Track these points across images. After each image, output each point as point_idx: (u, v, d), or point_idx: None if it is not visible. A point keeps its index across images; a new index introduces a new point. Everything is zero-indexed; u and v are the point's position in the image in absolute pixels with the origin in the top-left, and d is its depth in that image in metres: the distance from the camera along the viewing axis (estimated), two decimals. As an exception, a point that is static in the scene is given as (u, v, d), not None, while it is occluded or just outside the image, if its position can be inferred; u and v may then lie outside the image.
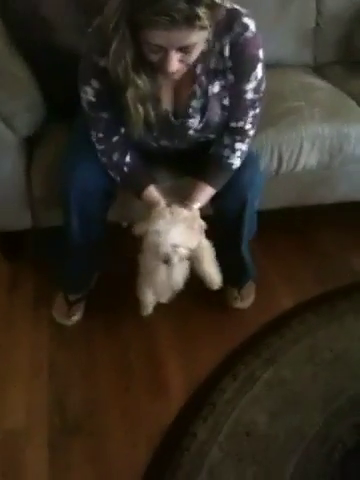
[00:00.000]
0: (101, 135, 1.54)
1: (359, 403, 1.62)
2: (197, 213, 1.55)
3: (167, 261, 1.47)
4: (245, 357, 1.77)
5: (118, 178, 1.59)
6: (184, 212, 1.50)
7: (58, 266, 1.85)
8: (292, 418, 1.59)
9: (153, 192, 1.57)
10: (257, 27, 1.40)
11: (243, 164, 1.60)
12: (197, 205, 1.56)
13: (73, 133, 1.70)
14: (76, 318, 1.90)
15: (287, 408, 1.62)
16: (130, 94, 1.36)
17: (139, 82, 1.35)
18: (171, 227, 1.45)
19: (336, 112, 1.96)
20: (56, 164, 1.69)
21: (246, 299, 1.94)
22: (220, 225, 1.71)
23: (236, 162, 1.57)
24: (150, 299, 1.73)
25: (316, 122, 1.91)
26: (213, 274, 1.60)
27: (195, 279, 1.62)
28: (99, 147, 1.56)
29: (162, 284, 1.62)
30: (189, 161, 1.67)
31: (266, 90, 1.53)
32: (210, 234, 1.59)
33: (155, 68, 1.34)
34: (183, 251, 1.48)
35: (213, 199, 1.63)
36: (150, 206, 1.54)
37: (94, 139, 1.55)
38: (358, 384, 1.67)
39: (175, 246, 1.46)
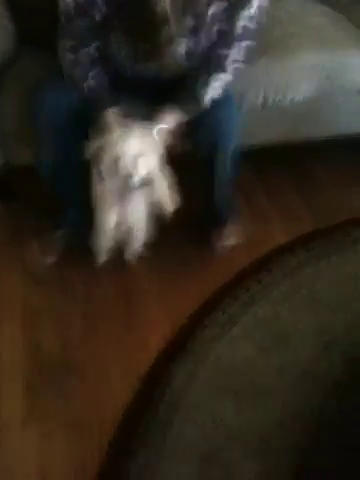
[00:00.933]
0: (72, 43, 1.41)
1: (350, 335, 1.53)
2: (159, 133, 1.40)
3: (130, 175, 1.31)
4: (234, 291, 1.67)
5: (81, 91, 1.46)
6: (142, 128, 1.36)
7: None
8: (279, 355, 1.49)
9: (114, 114, 1.41)
10: None
11: (217, 104, 1.47)
12: (160, 125, 1.41)
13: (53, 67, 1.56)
14: (52, 259, 1.78)
15: (277, 343, 1.52)
16: None
17: None
18: (129, 136, 1.32)
19: (330, 40, 1.84)
20: (27, 96, 1.55)
21: (232, 236, 1.81)
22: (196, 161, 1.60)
23: (211, 94, 1.44)
24: (105, 241, 1.59)
25: (306, 51, 1.79)
26: (166, 199, 1.46)
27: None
28: (68, 57, 1.43)
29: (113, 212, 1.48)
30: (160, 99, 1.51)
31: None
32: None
33: None
34: (143, 168, 1.32)
35: (188, 135, 1.50)
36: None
37: (61, 49, 1.43)
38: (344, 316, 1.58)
39: (136, 157, 1.31)
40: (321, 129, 2.00)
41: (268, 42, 1.77)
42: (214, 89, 1.44)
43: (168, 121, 1.43)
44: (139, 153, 1.31)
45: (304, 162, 2.20)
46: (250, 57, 1.44)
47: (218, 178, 1.62)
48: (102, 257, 1.67)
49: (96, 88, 1.45)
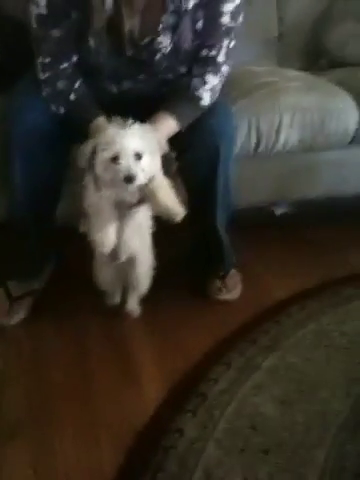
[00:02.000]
0: (48, 59, 1.28)
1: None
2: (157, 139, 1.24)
3: (130, 178, 1.12)
4: (238, 345, 1.39)
5: (62, 108, 1.32)
6: (141, 126, 1.18)
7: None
8: (309, 406, 1.19)
9: (103, 122, 1.26)
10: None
11: (214, 111, 1.36)
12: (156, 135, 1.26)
13: (22, 80, 1.43)
14: (19, 316, 1.50)
15: (301, 396, 1.22)
16: None
17: None
18: (127, 130, 1.14)
19: (314, 87, 1.80)
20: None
21: (232, 290, 1.61)
22: (191, 185, 1.44)
23: (205, 96, 1.33)
24: (103, 270, 1.39)
25: (293, 93, 1.73)
26: (172, 203, 1.24)
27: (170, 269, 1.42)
28: (43, 76, 1.30)
29: (109, 230, 1.24)
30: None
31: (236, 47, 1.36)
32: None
33: None
34: (147, 166, 1.15)
35: (183, 150, 1.36)
36: None
37: (39, 68, 1.30)
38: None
39: (137, 154, 1.13)
40: (318, 188, 1.90)
41: (248, 88, 1.73)
42: (208, 92, 1.33)
43: (163, 129, 1.28)
44: (141, 150, 1.14)
45: (290, 226, 2.07)
46: (231, 60, 1.36)
47: (220, 202, 1.45)
48: (111, 297, 1.48)
49: (82, 99, 1.32)
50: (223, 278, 1.61)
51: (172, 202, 1.20)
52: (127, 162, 1.12)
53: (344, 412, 1.18)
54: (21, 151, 1.31)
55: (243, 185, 1.72)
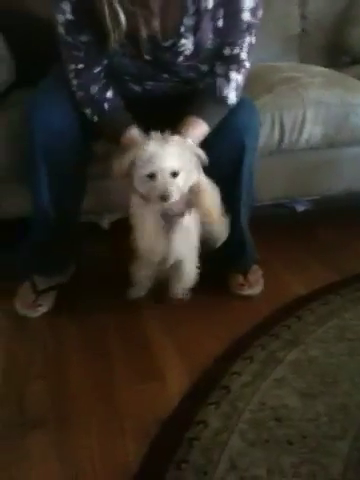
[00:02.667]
0: (81, 66, 1.30)
1: None
2: (192, 142, 1.27)
3: (165, 197, 1.16)
4: (260, 339, 1.40)
5: (96, 117, 1.34)
6: (177, 137, 1.22)
7: (26, 248, 1.51)
8: (332, 398, 1.19)
9: (136, 133, 1.30)
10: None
11: (239, 107, 1.37)
12: (188, 141, 1.28)
13: (44, 79, 1.45)
14: (43, 309, 1.53)
15: (324, 388, 1.23)
16: None
17: None
18: (165, 148, 1.17)
19: (338, 82, 1.80)
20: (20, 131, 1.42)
21: (254, 285, 1.61)
22: (216, 178, 1.43)
23: (231, 95, 1.34)
24: (144, 270, 1.41)
25: (318, 88, 1.73)
26: (217, 222, 1.28)
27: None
28: (76, 81, 1.32)
29: (156, 241, 1.29)
30: (177, 116, 1.42)
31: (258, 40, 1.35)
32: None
33: None
34: (182, 184, 1.18)
35: (208, 147, 1.37)
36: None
37: (72, 75, 1.31)
38: None
39: (173, 173, 1.16)
40: (339, 184, 1.90)
41: (271, 83, 1.74)
42: (233, 90, 1.34)
43: (196, 134, 1.29)
44: (178, 169, 1.17)
45: (310, 224, 2.07)
46: (253, 54, 1.36)
47: (244, 196, 1.45)
48: (138, 291, 1.50)
49: (115, 108, 1.34)
50: (245, 274, 1.62)
51: (215, 209, 1.25)
52: (163, 181, 1.15)
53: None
54: (44, 149, 1.33)
55: (265, 181, 1.73)
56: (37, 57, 1.64)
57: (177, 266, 1.40)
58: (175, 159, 1.17)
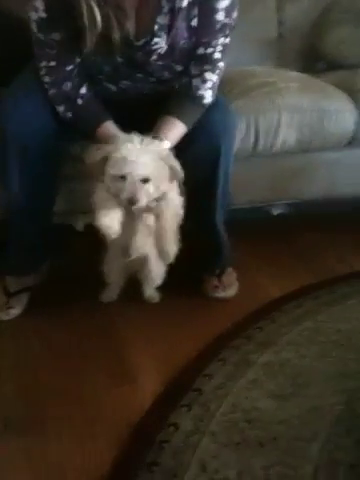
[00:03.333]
0: (53, 63, 1.29)
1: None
2: (169, 152, 1.25)
3: (132, 201, 1.15)
4: (234, 341, 1.39)
5: (69, 113, 1.33)
6: (156, 143, 1.21)
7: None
8: (304, 400, 1.19)
9: (111, 127, 1.30)
10: None
11: (214, 108, 1.37)
12: (166, 144, 1.28)
13: (19, 76, 1.43)
14: (15, 312, 1.50)
15: (296, 390, 1.23)
16: None
17: None
18: (140, 154, 1.15)
19: (313, 88, 1.82)
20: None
21: (228, 288, 1.61)
22: (192, 180, 1.43)
23: (207, 95, 1.34)
24: (111, 263, 1.39)
25: (293, 94, 1.74)
26: (170, 241, 1.28)
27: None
28: (48, 78, 1.31)
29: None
30: (153, 116, 1.42)
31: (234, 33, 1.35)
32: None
33: None
34: (152, 191, 1.18)
35: (184, 148, 1.37)
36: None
37: (43, 72, 1.30)
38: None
39: (145, 180, 1.15)
40: (312, 188, 1.90)
41: (247, 87, 1.74)
42: (209, 90, 1.34)
43: (172, 134, 1.29)
44: (149, 176, 1.16)
45: (287, 227, 2.08)
46: (227, 54, 1.36)
47: (220, 197, 1.44)
48: (111, 293, 1.49)
49: (89, 103, 1.33)
50: (219, 276, 1.61)
51: (171, 238, 1.26)
52: (133, 185, 1.14)
53: (338, 406, 1.18)
54: (16, 146, 1.31)
55: (241, 184, 1.73)
56: (15, 56, 1.61)
57: (143, 263, 1.39)
58: (148, 166, 1.15)
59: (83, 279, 1.64)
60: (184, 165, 1.38)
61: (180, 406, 1.19)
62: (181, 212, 1.28)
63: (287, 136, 1.72)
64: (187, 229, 1.56)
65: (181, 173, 1.22)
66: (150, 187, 1.17)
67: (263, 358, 1.34)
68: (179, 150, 1.31)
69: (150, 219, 1.28)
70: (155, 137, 1.24)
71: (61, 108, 1.33)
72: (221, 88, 1.64)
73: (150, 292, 1.51)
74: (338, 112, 1.75)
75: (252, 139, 1.68)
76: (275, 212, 2.12)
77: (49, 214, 1.48)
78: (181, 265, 1.57)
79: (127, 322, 1.49)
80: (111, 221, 1.19)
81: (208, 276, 1.62)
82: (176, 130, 1.31)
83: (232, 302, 1.59)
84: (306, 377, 1.27)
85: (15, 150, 1.31)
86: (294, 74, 1.93)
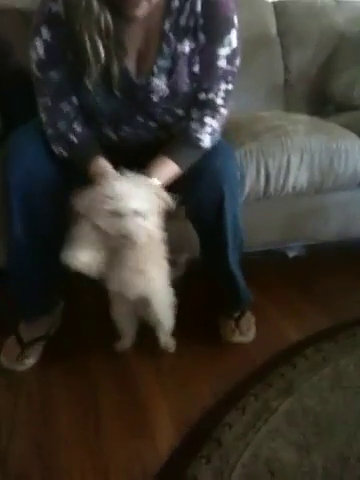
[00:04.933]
0: (49, 101, 1.31)
1: None
2: (158, 185, 1.24)
3: (126, 236, 1.12)
4: (253, 388, 1.35)
5: (65, 152, 1.33)
6: (144, 178, 1.19)
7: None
8: (329, 450, 1.14)
9: (103, 163, 1.28)
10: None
11: (216, 152, 1.36)
12: (155, 180, 1.25)
13: (27, 123, 1.46)
14: (30, 362, 1.48)
15: (320, 439, 1.17)
16: (87, 24, 1.17)
17: (101, 15, 1.18)
18: (135, 189, 1.13)
19: (321, 129, 1.83)
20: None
21: (246, 332, 1.57)
22: (200, 228, 1.45)
23: (205, 139, 1.33)
24: (117, 308, 1.37)
25: (301, 135, 1.75)
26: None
27: (181, 312, 1.38)
28: (45, 118, 1.33)
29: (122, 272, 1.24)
30: None
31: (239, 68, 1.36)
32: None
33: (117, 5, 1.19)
34: (150, 226, 1.15)
35: (189, 194, 1.37)
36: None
37: (41, 110, 1.33)
38: None
39: (141, 214, 1.12)
40: (327, 230, 1.90)
41: (255, 131, 1.76)
42: (208, 135, 1.33)
43: (164, 174, 1.28)
44: (142, 210, 1.13)
45: (303, 270, 2.05)
46: (229, 103, 1.36)
47: (231, 241, 1.43)
48: (125, 342, 1.46)
49: (83, 140, 1.33)
50: (237, 320, 1.58)
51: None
52: (132, 221, 1.11)
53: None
54: (20, 195, 1.30)
55: (254, 226, 1.72)
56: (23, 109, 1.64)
57: (146, 304, 1.34)
58: (142, 200, 1.13)
59: (99, 326, 1.62)
60: (190, 212, 1.39)
61: (199, 458, 1.14)
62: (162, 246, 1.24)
63: (298, 178, 1.72)
64: (205, 274, 1.56)
65: (172, 204, 1.20)
66: (148, 222, 1.14)
67: (284, 406, 1.29)
68: (184, 197, 1.31)
69: (136, 256, 1.22)
70: (145, 173, 1.23)
71: (58, 148, 1.33)
72: (228, 133, 1.67)
73: (165, 339, 1.47)
74: (348, 152, 1.75)
75: (263, 182, 1.68)
76: (291, 254, 2.11)
77: (56, 262, 1.45)
78: (198, 309, 1.56)
79: (143, 370, 1.45)
80: (90, 260, 1.16)
81: (225, 320, 1.59)
82: (167, 169, 1.29)
83: (251, 347, 1.55)
84: (331, 425, 1.21)
85: (18, 198, 1.30)
86: (302, 117, 1.94)
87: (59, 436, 1.24)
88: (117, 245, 1.17)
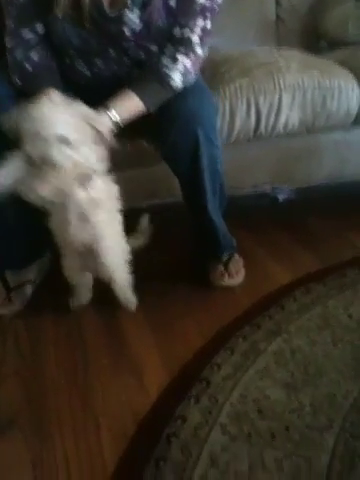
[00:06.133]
0: (12, 24, 1.24)
1: None
2: (96, 114, 1.14)
3: (48, 162, 1.04)
4: (242, 330, 1.34)
5: (18, 80, 1.27)
6: (83, 106, 1.10)
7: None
8: (316, 389, 1.14)
9: (50, 92, 1.14)
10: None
11: (190, 92, 1.28)
12: (112, 113, 1.18)
13: None
14: (16, 307, 1.46)
15: (308, 378, 1.18)
16: None
17: None
18: (61, 112, 1.06)
19: (314, 65, 1.75)
20: None
21: (235, 276, 1.56)
22: (176, 172, 1.40)
23: (175, 77, 1.24)
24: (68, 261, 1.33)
25: (294, 72, 1.68)
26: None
27: (167, 256, 1.38)
28: (7, 43, 1.27)
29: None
30: None
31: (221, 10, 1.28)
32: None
33: None
34: (70, 153, 1.06)
35: (162, 138, 1.31)
36: None
37: (5, 33, 1.26)
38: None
39: (62, 140, 1.04)
40: (321, 172, 1.86)
41: (246, 67, 1.69)
42: (179, 74, 1.24)
43: (124, 109, 1.20)
44: (70, 136, 1.05)
45: (292, 213, 2.03)
46: (207, 42, 1.28)
47: (209, 187, 1.39)
48: (80, 298, 1.41)
49: (39, 71, 1.26)
50: (226, 264, 1.56)
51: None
52: (46, 144, 1.03)
53: (353, 393, 1.12)
54: None
55: (243, 168, 1.69)
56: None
57: (95, 255, 1.29)
58: (66, 125, 1.05)
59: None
60: (166, 158, 1.34)
61: (187, 398, 1.14)
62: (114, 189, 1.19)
63: (289, 116, 1.67)
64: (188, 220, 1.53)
65: (110, 139, 1.14)
66: (70, 149, 1.06)
67: (273, 346, 1.28)
68: (157, 140, 1.28)
69: (82, 200, 1.16)
70: (103, 106, 1.17)
71: (14, 77, 1.27)
72: (217, 67, 1.59)
73: (124, 296, 1.42)
74: (341, 89, 1.69)
75: (253, 121, 1.63)
76: (281, 198, 2.08)
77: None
78: (184, 254, 1.54)
79: (132, 313, 1.44)
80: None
81: (214, 264, 1.57)
82: (129, 103, 1.21)
83: (240, 290, 1.54)
84: (318, 364, 1.21)
85: None
86: (295, 53, 1.86)
87: (47, 378, 1.24)
88: (43, 174, 1.09)
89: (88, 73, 1.34)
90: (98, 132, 1.11)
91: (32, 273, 1.51)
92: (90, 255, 1.28)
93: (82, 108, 1.10)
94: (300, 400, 1.11)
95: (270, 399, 1.12)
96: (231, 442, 1.02)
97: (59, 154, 1.04)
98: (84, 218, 1.18)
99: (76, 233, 1.20)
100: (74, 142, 1.06)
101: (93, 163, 1.12)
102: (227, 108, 1.59)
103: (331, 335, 1.31)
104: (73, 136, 1.06)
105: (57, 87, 1.18)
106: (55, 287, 1.53)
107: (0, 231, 1.40)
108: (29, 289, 1.50)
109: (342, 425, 1.05)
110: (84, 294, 1.44)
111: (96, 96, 1.17)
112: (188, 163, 1.33)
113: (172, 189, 1.49)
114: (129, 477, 0.98)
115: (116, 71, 1.33)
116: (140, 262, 1.39)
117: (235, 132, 1.62)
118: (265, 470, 0.95)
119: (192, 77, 1.28)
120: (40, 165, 1.06)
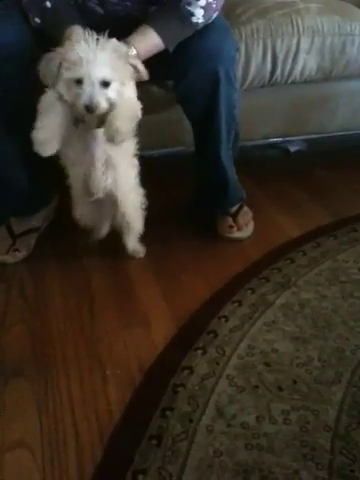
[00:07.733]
0: None
1: None
2: (128, 50, 1.10)
3: (90, 108, 1.01)
4: (250, 282, 1.32)
5: (37, 18, 1.20)
6: (114, 42, 1.06)
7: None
8: (325, 342, 1.13)
9: (78, 31, 1.11)
10: None
11: (210, 29, 1.21)
12: (132, 50, 1.12)
13: None
14: (21, 254, 1.43)
15: (316, 332, 1.16)
16: None
17: None
18: (98, 53, 1.01)
19: (335, 9, 1.66)
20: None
21: (244, 228, 1.53)
22: (191, 116, 1.35)
23: (197, 13, 1.17)
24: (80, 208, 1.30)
25: (313, 15, 1.60)
26: (124, 123, 1.09)
27: (176, 206, 1.33)
28: None
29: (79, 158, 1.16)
30: None
31: None
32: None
33: None
34: (113, 96, 1.04)
35: (178, 77, 1.25)
36: None
37: None
38: None
39: (104, 82, 1.02)
40: (333, 122, 1.80)
41: (263, 8, 1.60)
42: (201, 10, 1.17)
43: (143, 46, 1.14)
44: (109, 78, 1.02)
45: (303, 165, 1.97)
46: None
47: (224, 132, 1.34)
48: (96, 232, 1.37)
49: (58, 6, 1.18)
50: (234, 216, 1.53)
51: (124, 129, 1.08)
52: (91, 90, 1.01)
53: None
54: None
55: (256, 116, 1.64)
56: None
57: (113, 204, 1.27)
58: (107, 67, 1.02)
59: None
60: (182, 97, 1.28)
61: (194, 349, 1.13)
62: (139, 114, 1.12)
63: (307, 62, 1.60)
64: (196, 166, 1.48)
65: (146, 74, 1.11)
66: (111, 92, 1.03)
67: (281, 299, 1.27)
68: (172, 79, 1.23)
69: (110, 151, 1.16)
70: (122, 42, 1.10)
71: (33, 17, 1.20)
72: (233, 9, 1.51)
73: (133, 245, 1.40)
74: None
75: (269, 66, 1.56)
76: (292, 149, 2.02)
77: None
78: (192, 205, 1.50)
79: (139, 263, 1.42)
80: (46, 134, 1.06)
81: (222, 216, 1.53)
82: (148, 40, 1.15)
83: (249, 242, 1.52)
84: (327, 318, 1.20)
85: None
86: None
87: (53, 326, 1.23)
88: (80, 118, 1.07)
89: (101, 10, 1.26)
90: (134, 68, 1.08)
91: (37, 220, 1.48)
92: (107, 204, 1.26)
93: (113, 43, 1.05)
94: (308, 354, 1.10)
95: (278, 352, 1.11)
96: (238, 394, 1.01)
97: (103, 99, 1.02)
98: (109, 164, 1.16)
99: (100, 180, 1.18)
100: (114, 83, 1.03)
101: (135, 103, 1.09)
102: (242, 52, 1.51)
103: (340, 290, 1.29)
104: (114, 77, 1.03)
105: (78, 23, 1.13)
106: (62, 234, 1.51)
107: (6, 178, 1.35)
108: (34, 236, 1.47)
109: (350, 379, 1.04)
110: (99, 229, 1.40)
111: (110, 33, 1.09)
112: (205, 105, 1.28)
113: (181, 137, 1.44)
114: (135, 425, 0.97)
115: (130, 8, 1.25)
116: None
117: (250, 77, 1.55)
118: (272, 422, 0.95)
119: (214, 13, 1.21)
120: (79, 111, 1.03)
